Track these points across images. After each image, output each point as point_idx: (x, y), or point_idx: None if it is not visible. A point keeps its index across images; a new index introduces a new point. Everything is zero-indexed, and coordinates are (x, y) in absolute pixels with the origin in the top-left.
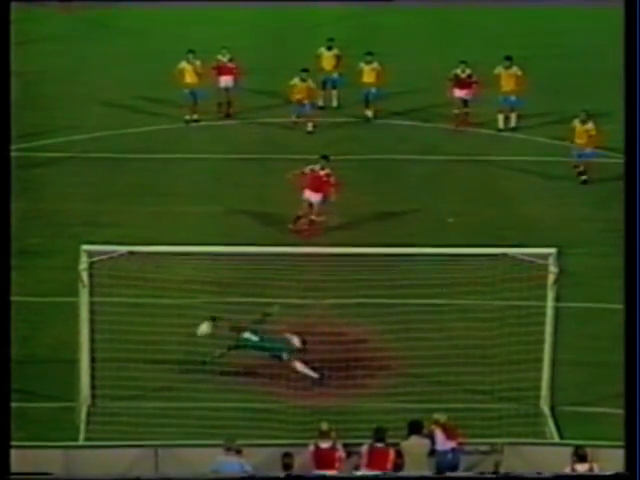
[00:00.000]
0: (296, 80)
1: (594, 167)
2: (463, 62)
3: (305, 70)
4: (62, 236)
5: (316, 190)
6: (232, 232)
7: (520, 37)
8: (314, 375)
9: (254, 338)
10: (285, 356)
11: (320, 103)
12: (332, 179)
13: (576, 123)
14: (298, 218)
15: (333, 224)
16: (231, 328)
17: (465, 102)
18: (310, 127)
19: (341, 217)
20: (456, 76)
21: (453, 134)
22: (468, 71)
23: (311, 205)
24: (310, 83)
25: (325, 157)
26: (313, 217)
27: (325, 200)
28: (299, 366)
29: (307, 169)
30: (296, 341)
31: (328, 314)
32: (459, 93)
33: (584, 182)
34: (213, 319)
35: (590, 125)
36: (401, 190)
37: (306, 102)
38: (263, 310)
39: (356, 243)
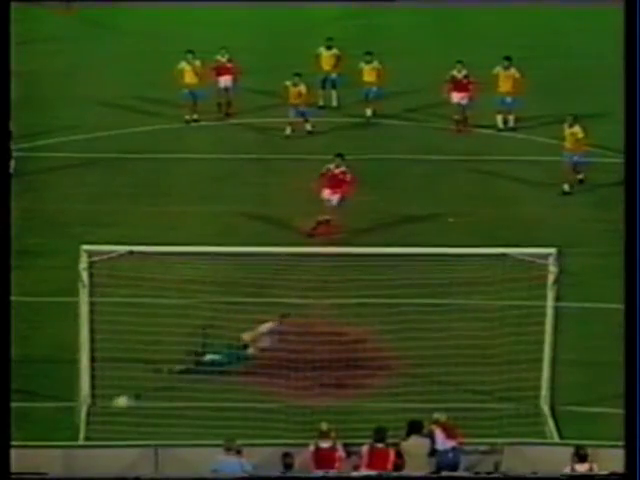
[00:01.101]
0: (288, 83)
1: (594, 167)
2: (459, 62)
3: (297, 74)
4: (62, 236)
5: (334, 189)
6: (232, 232)
7: (520, 37)
8: (276, 323)
9: (217, 357)
10: (250, 352)
11: (320, 103)
12: (348, 177)
13: (565, 127)
14: (327, 222)
15: (332, 223)
16: (190, 352)
17: (464, 107)
18: (309, 127)
19: (340, 217)
20: (453, 77)
21: (453, 134)
22: (464, 71)
23: (332, 205)
24: (302, 87)
25: (340, 155)
26: (322, 217)
27: (343, 199)
28: (258, 332)
29: (324, 169)
30: (269, 325)
31: (328, 314)
32: (457, 96)
33: (570, 190)
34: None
35: (577, 128)
36: (401, 190)
37: (302, 108)
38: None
39: (356, 243)
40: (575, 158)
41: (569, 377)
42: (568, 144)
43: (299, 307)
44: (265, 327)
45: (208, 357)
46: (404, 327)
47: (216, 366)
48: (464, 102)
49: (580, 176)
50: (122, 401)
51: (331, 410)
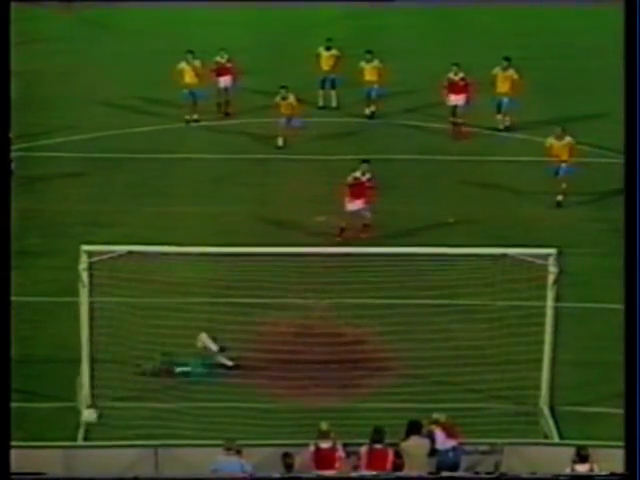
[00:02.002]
0: (277, 99)
1: (594, 167)
2: (455, 64)
3: (284, 87)
4: (62, 236)
5: (364, 198)
6: (232, 232)
7: (519, 37)
8: (229, 363)
9: (186, 369)
10: (218, 358)
11: (320, 103)
12: (372, 182)
13: (552, 141)
14: (342, 230)
15: (333, 224)
16: (164, 369)
17: (461, 109)
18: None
19: (341, 217)
20: (449, 80)
21: (453, 134)
22: (461, 74)
23: (354, 214)
24: (291, 99)
25: (366, 161)
26: (367, 222)
27: (370, 206)
28: (222, 359)
29: (350, 178)
30: (211, 344)
31: (328, 314)
32: (454, 99)
33: (558, 205)
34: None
35: (568, 139)
36: (401, 190)
37: (296, 118)
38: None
39: (356, 243)
40: (564, 167)
41: (569, 377)
42: (562, 156)
43: (299, 307)
44: (202, 337)
45: (178, 370)
46: (404, 327)
47: (191, 376)
48: (461, 103)
49: (560, 197)
50: (89, 415)
51: (331, 410)
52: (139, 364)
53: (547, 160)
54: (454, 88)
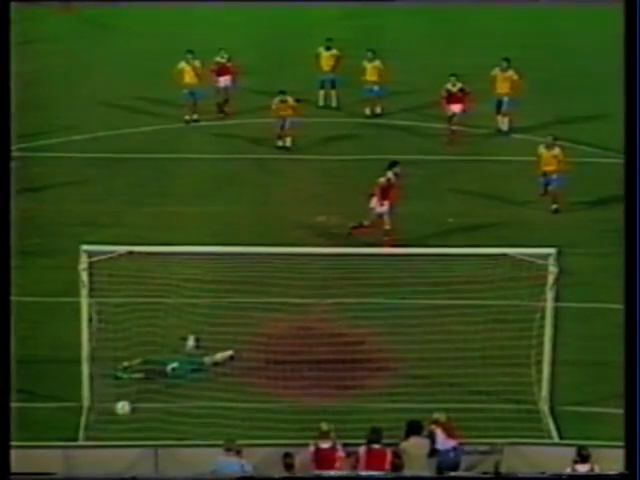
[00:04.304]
0: (276, 100)
1: (595, 167)
2: (453, 75)
3: (282, 92)
4: (62, 236)
5: (387, 199)
6: (232, 232)
7: (520, 37)
8: (230, 353)
9: (175, 364)
10: (207, 361)
11: (320, 103)
12: (400, 184)
13: (542, 149)
14: (361, 225)
15: (333, 224)
16: (158, 369)
17: (459, 118)
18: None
19: (341, 217)
20: (447, 91)
21: (449, 141)
22: (459, 85)
23: (381, 215)
24: (290, 101)
25: (396, 163)
26: (387, 227)
27: (393, 208)
28: (219, 357)
29: (382, 180)
30: (191, 343)
31: (328, 314)
32: (452, 109)
33: (555, 211)
34: None
35: (557, 150)
36: (401, 190)
37: (296, 119)
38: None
39: (355, 243)
40: (554, 177)
41: (569, 377)
42: (548, 167)
43: (299, 307)
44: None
45: (169, 369)
46: (404, 327)
47: (175, 372)
48: (459, 112)
49: (556, 206)
50: (123, 407)
51: (331, 410)
52: (129, 365)
53: (537, 173)
54: (452, 99)
